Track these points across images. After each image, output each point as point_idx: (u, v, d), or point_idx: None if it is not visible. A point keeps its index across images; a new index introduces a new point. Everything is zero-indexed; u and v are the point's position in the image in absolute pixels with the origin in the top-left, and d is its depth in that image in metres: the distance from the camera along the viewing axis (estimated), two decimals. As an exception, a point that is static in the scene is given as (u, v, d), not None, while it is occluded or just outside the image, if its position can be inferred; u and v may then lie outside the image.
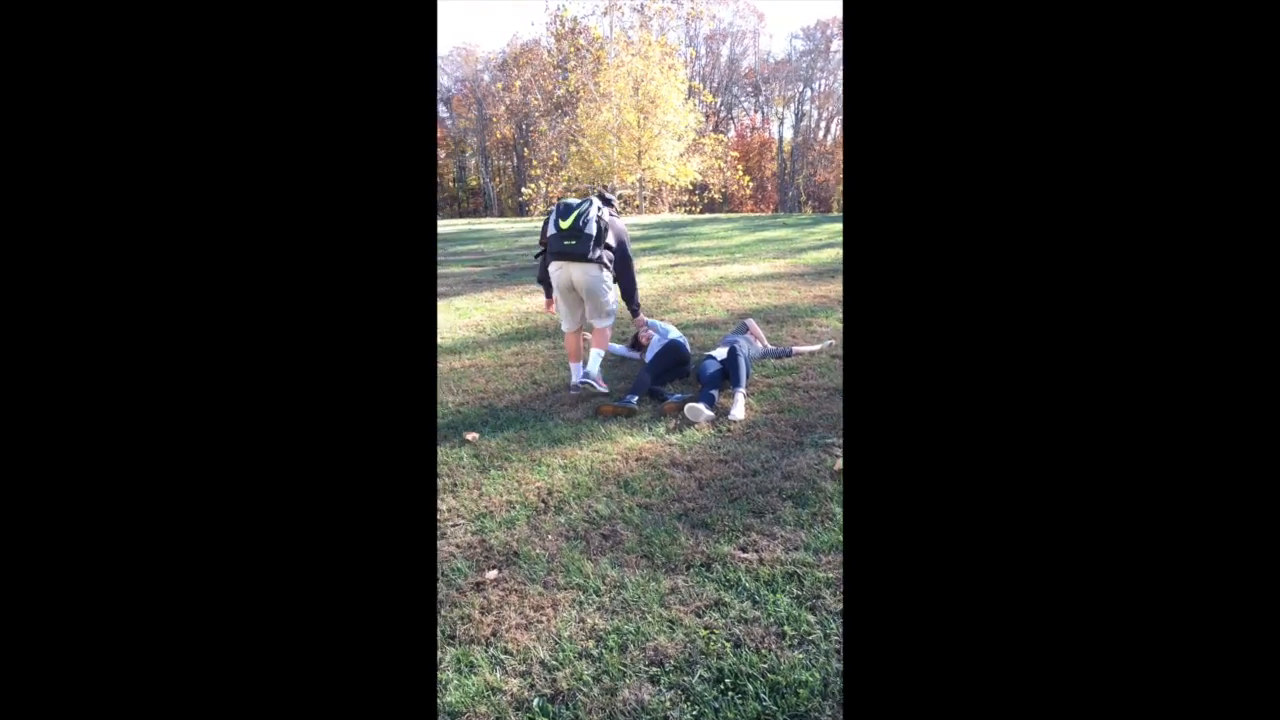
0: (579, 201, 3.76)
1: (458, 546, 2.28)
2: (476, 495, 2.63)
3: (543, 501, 2.57)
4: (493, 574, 2.11)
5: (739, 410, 3.33)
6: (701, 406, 3.29)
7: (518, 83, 33.44)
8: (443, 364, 4.48)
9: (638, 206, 24.65)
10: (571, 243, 3.64)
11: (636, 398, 3.53)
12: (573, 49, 26.80)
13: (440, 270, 8.66)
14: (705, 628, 1.82)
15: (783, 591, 1.95)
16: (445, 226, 15.90)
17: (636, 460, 2.89)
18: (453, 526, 2.41)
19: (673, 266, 7.95)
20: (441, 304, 6.43)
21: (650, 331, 4.32)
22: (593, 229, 3.62)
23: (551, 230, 3.70)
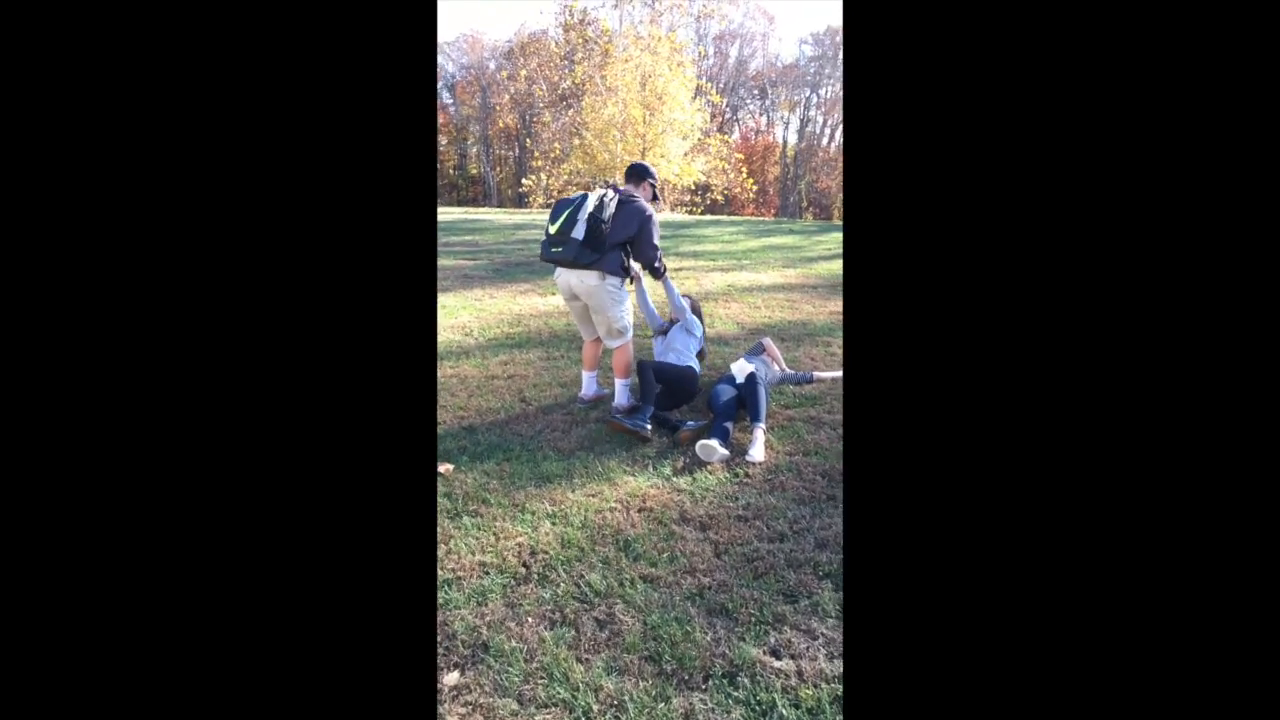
0: (575, 198, 3.18)
1: (412, 629, 1.80)
2: (443, 552, 2.14)
3: (524, 565, 2.09)
4: (453, 678, 1.62)
5: (758, 451, 2.86)
6: (715, 444, 2.81)
7: (523, 72, 32.83)
8: (420, 372, 3.99)
9: (639, 204, 24.14)
10: (558, 250, 3.09)
11: (649, 419, 3.05)
12: (580, 40, 26.25)
13: (430, 262, 8.15)
14: (733, 783, 1.35)
15: (833, 727, 1.48)
16: (441, 214, 15.36)
17: (639, 511, 2.42)
18: (409, 598, 1.92)
19: (678, 271, 7.48)
20: (427, 300, 5.93)
21: (678, 311, 3.77)
22: (581, 231, 3.04)
23: (545, 234, 3.20)
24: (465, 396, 3.59)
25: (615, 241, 3.12)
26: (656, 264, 3.26)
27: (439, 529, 2.28)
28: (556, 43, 30.01)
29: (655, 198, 3.41)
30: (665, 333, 3.81)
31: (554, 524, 2.33)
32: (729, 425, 2.99)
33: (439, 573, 2.04)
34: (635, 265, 3.38)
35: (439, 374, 3.95)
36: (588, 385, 3.55)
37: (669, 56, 21.06)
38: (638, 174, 3.35)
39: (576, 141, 22.07)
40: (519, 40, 38.01)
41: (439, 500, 2.47)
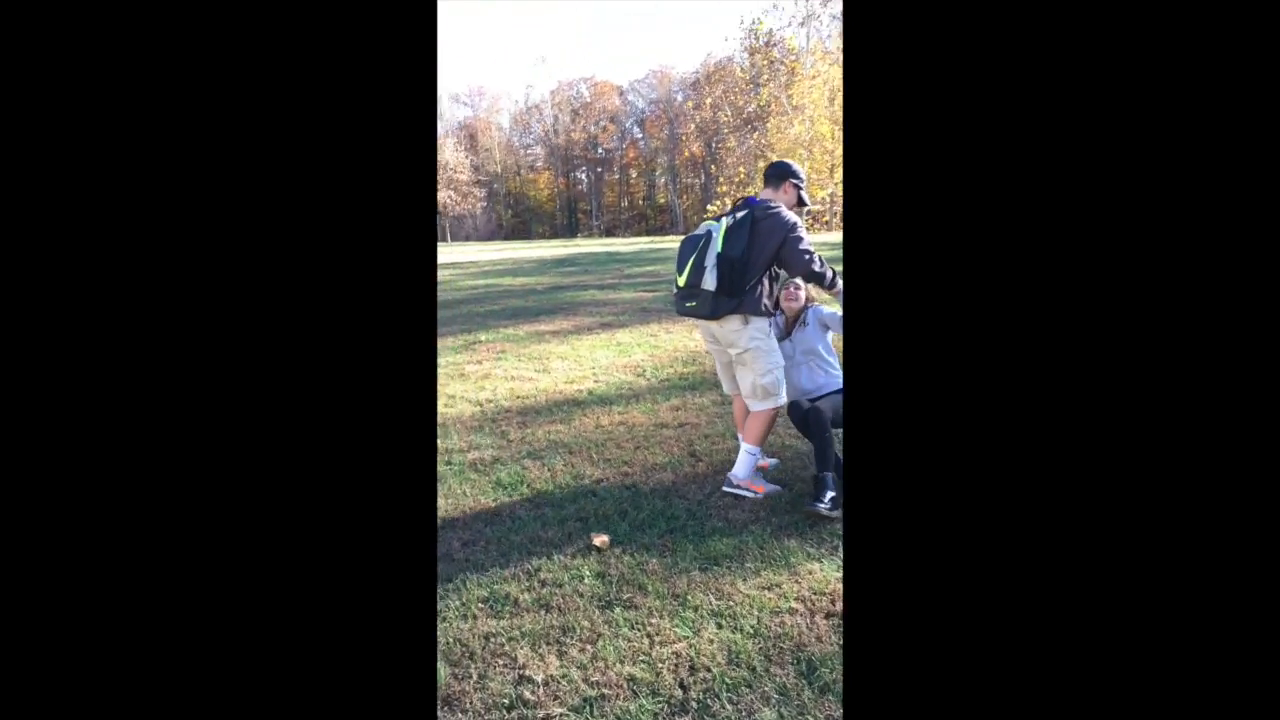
0: (700, 233, 2.64)
1: (542, 767, 1.49)
2: (589, 656, 1.84)
3: (681, 686, 1.71)
4: None
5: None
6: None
7: (708, 100, 33.26)
8: (589, 419, 3.80)
9: (827, 223, 23.08)
10: (692, 304, 2.61)
11: (832, 496, 2.52)
12: (765, 62, 25.92)
13: (611, 295, 8.20)
14: None
15: None
16: (625, 245, 15.73)
17: (826, 617, 1.94)
18: (543, 719, 1.63)
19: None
20: (604, 337, 5.85)
21: (797, 298, 2.89)
22: (712, 280, 2.53)
23: (674, 286, 2.74)
24: (631, 449, 3.33)
25: (758, 271, 2.56)
26: (817, 268, 2.58)
27: (588, 619, 1.98)
28: (742, 67, 30.00)
29: (801, 201, 2.76)
30: (789, 335, 2.93)
31: (720, 626, 1.93)
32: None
33: (580, 687, 1.72)
34: (795, 290, 2.87)
35: (607, 422, 3.75)
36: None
37: (860, 67, 20.08)
38: (777, 175, 2.73)
39: (761, 164, 21.77)
40: (705, 69, 38.70)
41: (591, 582, 2.18)
